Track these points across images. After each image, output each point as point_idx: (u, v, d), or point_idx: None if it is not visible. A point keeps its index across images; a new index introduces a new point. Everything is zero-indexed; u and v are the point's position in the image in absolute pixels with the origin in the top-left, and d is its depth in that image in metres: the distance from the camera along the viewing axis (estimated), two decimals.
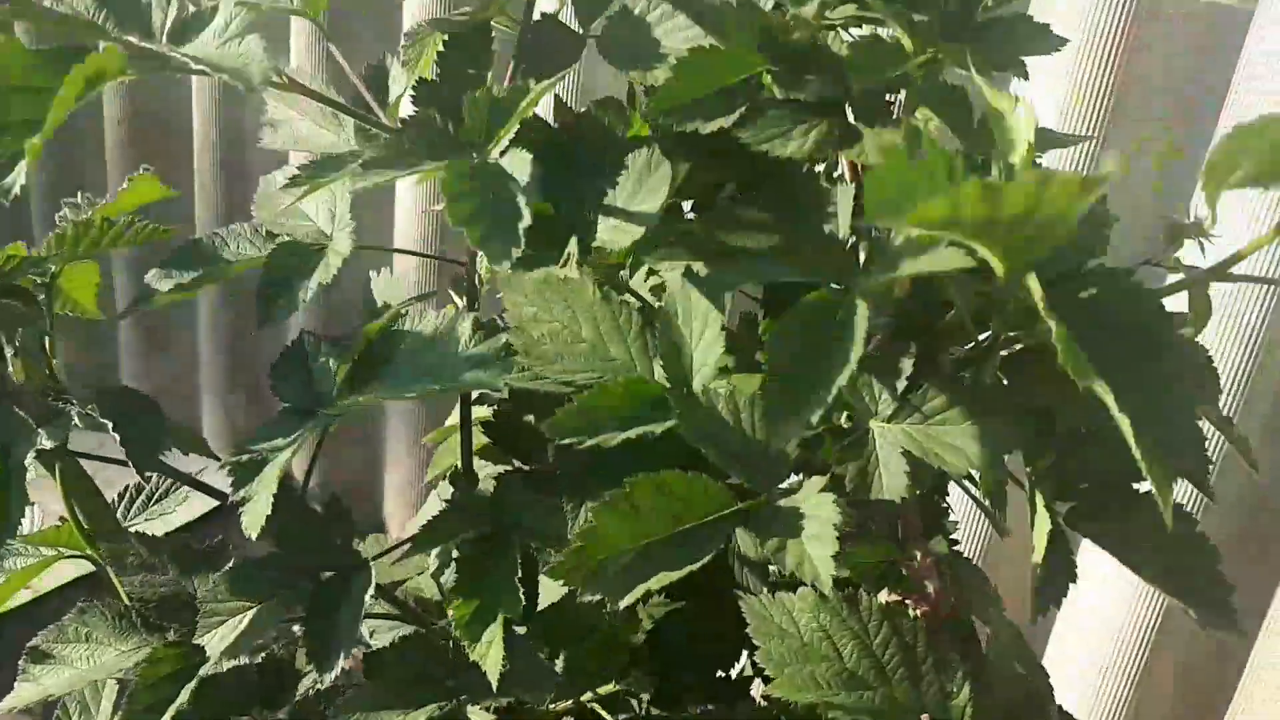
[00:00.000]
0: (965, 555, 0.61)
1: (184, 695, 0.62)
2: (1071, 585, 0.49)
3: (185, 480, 0.68)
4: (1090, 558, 0.75)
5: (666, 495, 0.49)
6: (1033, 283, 0.36)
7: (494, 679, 0.54)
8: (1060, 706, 0.63)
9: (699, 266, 0.54)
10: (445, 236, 1.34)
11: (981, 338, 0.51)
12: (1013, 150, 0.40)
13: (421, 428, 1.50)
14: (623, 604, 0.47)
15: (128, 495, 0.75)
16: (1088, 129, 0.98)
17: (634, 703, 0.68)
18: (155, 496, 0.74)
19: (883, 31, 0.55)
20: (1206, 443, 0.40)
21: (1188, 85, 0.99)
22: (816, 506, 0.48)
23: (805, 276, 0.48)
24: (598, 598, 0.49)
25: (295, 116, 0.73)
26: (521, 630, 0.64)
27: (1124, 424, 0.33)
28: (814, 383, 0.41)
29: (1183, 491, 1.08)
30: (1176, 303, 0.46)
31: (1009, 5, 0.64)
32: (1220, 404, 0.61)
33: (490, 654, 0.54)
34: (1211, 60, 0.98)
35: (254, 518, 0.56)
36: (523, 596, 0.55)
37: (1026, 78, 0.65)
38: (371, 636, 0.71)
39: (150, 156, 1.52)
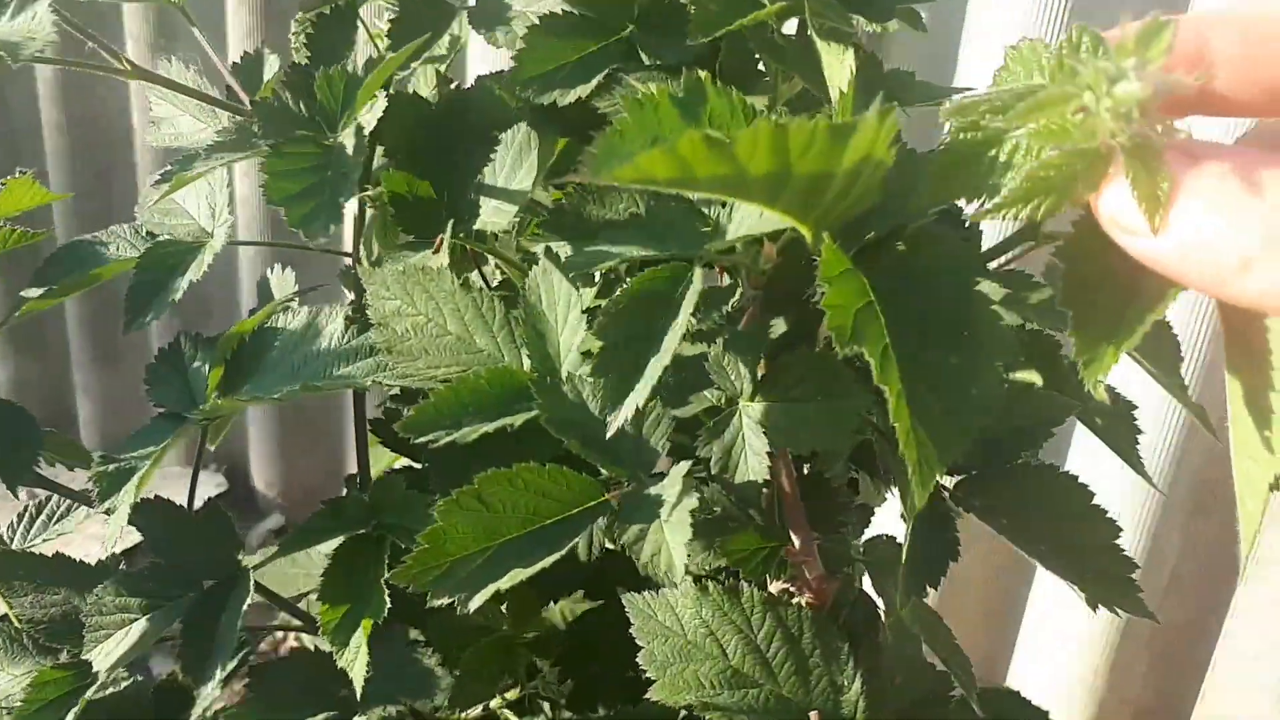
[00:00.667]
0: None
1: (69, 718, 0.60)
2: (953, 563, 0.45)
3: (66, 494, 0.66)
4: None
5: (521, 489, 0.46)
6: (826, 247, 0.33)
7: (358, 686, 0.51)
8: (1012, 690, 0.60)
9: (560, 246, 0.51)
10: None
11: None
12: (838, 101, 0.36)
13: None
14: (472, 606, 0.44)
15: (27, 515, 0.73)
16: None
17: (546, 705, 0.66)
18: (57, 515, 0.72)
19: None
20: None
21: None
22: (676, 493, 0.45)
23: (659, 250, 0.45)
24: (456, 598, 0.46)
25: (177, 113, 0.71)
26: (417, 634, 0.62)
27: (894, 404, 0.30)
28: (637, 364, 0.38)
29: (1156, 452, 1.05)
30: None
31: None
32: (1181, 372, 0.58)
33: (357, 661, 0.51)
34: None
35: (114, 529, 0.53)
36: (388, 599, 0.52)
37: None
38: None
39: (91, 160, 1.50)
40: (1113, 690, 1.14)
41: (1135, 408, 0.58)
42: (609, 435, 0.41)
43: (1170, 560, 1.10)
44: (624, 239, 0.48)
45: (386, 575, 0.52)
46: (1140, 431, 0.58)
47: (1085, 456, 1.07)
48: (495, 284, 0.71)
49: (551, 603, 0.66)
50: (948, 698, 0.52)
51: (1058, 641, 1.16)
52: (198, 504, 0.63)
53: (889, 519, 0.63)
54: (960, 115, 0.27)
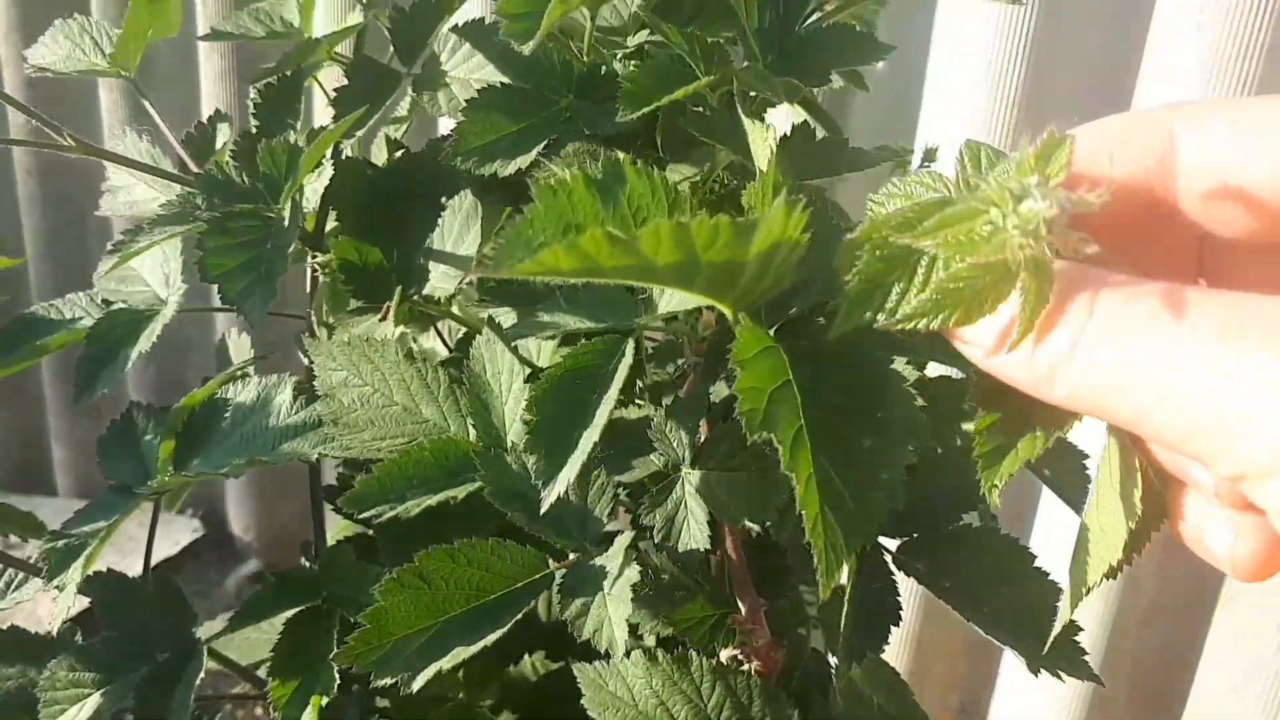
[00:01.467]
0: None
1: None
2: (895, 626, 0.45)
3: (19, 566, 0.65)
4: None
5: (463, 565, 0.46)
6: (741, 329, 0.33)
7: None
8: None
9: (503, 315, 0.51)
10: (284, 292, 1.32)
11: None
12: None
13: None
14: (415, 686, 0.44)
15: None
16: None
17: None
18: (13, 584, 0.71)
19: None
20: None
21: None
22: (619, 565, 0.45)
23: (595, 322, 0.45)
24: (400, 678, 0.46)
25: (132, 181, 0.71)
26: (384, 703, 0.61)
27: (802, 490, 0.30)
28: (569, 438, 0.38)
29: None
30: None
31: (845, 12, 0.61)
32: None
33: None
34: None
35: (62, 607, 0.53)
36: (337, 674, 0.51)
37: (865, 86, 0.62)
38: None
39: (62, 208, 1.50)
40: None
41: (1086, 457, 0.58)
42: (543, 510, 0.41)
43: (1147, 594, 1.10)
44: (561, 309, 0.49)
45: (333, 653, 0.52)
46: (1089, 480, 0.59)
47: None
48: (456, 340, 0.71)
49: (513, 664, 0.66)
50: None
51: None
52: (175, 549, 0.62)
53: None
54: (870, 234, 0.27)
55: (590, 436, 0.39)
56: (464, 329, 0.68)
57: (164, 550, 1.51)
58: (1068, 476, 0.57)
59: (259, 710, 1.16)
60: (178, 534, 1.60)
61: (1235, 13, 0.85)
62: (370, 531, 0.62)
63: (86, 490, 1.67)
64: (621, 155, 0.37)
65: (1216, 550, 0.28)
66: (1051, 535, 1.08)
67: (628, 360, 0.41)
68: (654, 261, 0.30)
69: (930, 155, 0.68)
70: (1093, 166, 0.27)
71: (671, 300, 0.40)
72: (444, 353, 0.69)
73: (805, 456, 0.32)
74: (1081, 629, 0.47)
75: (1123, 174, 0.27)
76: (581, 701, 0.50)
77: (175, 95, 1.33)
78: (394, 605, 0.45)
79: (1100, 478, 0.32)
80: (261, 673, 0.69)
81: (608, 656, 0.48)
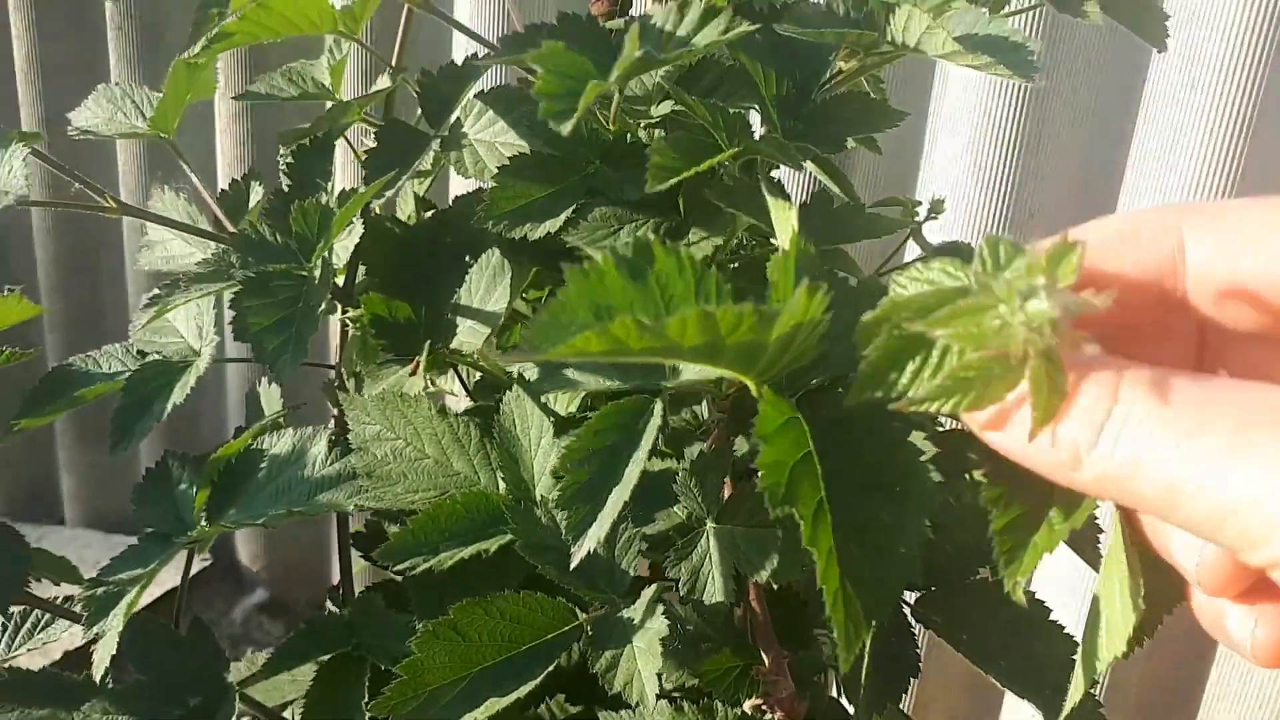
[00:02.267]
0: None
1: None
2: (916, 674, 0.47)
3: (43, 606, 0.67)
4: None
5: (496, 617, 0.47)
6: (764, 403, 0.35)
7: None
8: None
9: (531, 370, 0.53)
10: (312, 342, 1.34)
11: None
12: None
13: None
14: None
15: (12, 623, 0.74)
16: None
17: None
18: (40, 624, 0.73)
19: None
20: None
21: None
22: (647, 618, 0.47)
23: (623, 382, 0.47)
24: None
25: (169, 237, 0.73)
26: None
27: (823, 565, 0.32)
28: (600, 496, 0.40)
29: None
30: None
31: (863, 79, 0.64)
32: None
33: None
34: None
35: (103, 655, 0.55)
36: None
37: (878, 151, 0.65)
38: None
39: (81, 255, 1.52)
40: None
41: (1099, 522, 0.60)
42: (573, 566, 0.43)
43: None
44: (590, 369, 0.50)
45: (366, 701, 0.54)
46: (1101, 531, 0.60)
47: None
48: (474, 383, 0.73)
49: (534, 707, 0.67)
50: None
51: None
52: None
53: None
54: (889, 314, 0.29)
55: (621, 495, 0.41)
56: (480, 372, 0.70)
57: (170, 580, 1.52)
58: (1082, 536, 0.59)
59: None
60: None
61: (1228, 70, 0.88)
62: (396, 576, 0.64)
63: (95, 521, 1.69)
64: (650, 236, 0.39)
65: (1236, 635, 0.29)
66: (1045, 574, 1.09)
67: (656, 421, 0.42)
68: (680, 344, 0.32)
69: (937, 207, 0.70)
70: (1101, 262, 0.29)
71: (694, 368, 0.41)
72: (460, 390, 0.71)
73: (826, 531, 0.33)
74: (1097, 681, 0.48)
75: (1132, 269, 0.29)
76: None
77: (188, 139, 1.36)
78: (429, 656, 0.46)
79: (1110, 557, 0.33)
80: (287, 714, 0.70)
81: (629, 705, 0.50)
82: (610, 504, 0.42)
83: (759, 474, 0.35)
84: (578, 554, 0.42)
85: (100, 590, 0.58)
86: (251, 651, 0.79)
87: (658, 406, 0.44)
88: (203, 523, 0.59)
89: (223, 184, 1.36)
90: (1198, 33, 0.89)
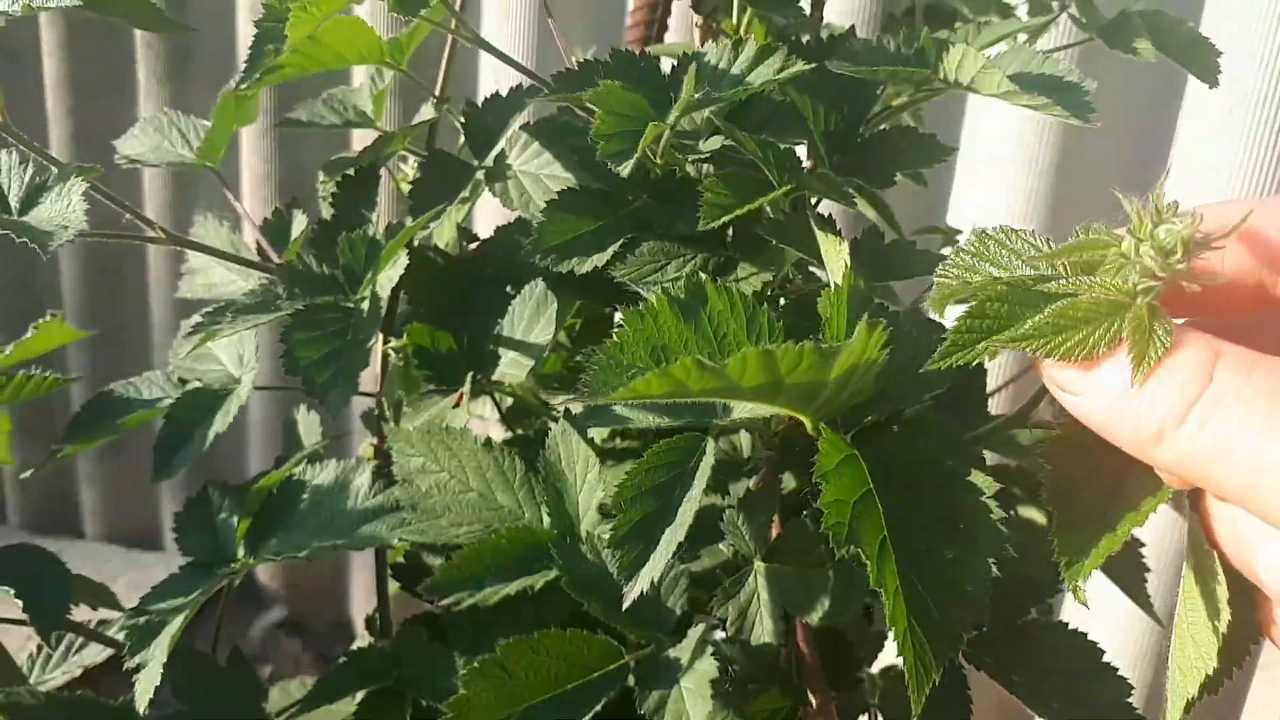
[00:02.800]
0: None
1: None
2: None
3: (85, 633, 0.67)
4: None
5: (542, 655, 0.47)
6: (824, 440, 0.35)
7: None
8: None
9: (576, 406, 0.53)
10: None
11: None
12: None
13: None
14: None
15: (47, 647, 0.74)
16: None
17: None
18: (75, 647, 0.73)
19: None
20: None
21: None
22: (695, 658, 0.46)
23: (673, 420, 0.47)
24: None
25: (210, 264, 0.74)
26: None
27: (891, 606, 0.31)
28: (652, 535, 0.40)
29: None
30: None
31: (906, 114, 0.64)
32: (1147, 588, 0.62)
33: None
34: None
35: (145, 686, 0.55)
36: None
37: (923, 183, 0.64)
38: None
39: (104, 275, 1.53)
40: None
41: (1142, 545, 0.59)
42: (625, 606, 0.42)
43: None
44: (639, 406, 0.50)
45: None
46: (1148, 569, 0.60)
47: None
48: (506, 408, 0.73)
49: None
50: None
51: None
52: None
53: None
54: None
55: (675, 536, 0.41)
56: (512, 397, 0.70)
57: None
58: (1125, 564, 0.58)
59: None
60: None
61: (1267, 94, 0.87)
62: (434, 609, 0.64)
63: (113, 535, 1.69)
64: (701, 275, 0.38)
65: None
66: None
67: (709, 459, 0.42)
68: (740, 384, 0.32)
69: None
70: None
71: (746, 407, 0.41)
72: (491, 413, 0.71)
73: (891, 570, 0.33)
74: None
75: (1234, 264, 0.29)
76: None
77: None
78: (476, 694, 0.46)
79: (1185, 589, 0.33)
80: None
81: None
82: (664, 544, 0.41)
83: (822, 514, 0.34)
84: (629, 594, 0.41)
85: (143, 619, 0.58)
86: (283, 683, 0.79)
87: (709, 445, 0.43)
88: (243, 553, 0.59)
89: (248, 197, 1.37)
90: (1236, 60, 0.89)
